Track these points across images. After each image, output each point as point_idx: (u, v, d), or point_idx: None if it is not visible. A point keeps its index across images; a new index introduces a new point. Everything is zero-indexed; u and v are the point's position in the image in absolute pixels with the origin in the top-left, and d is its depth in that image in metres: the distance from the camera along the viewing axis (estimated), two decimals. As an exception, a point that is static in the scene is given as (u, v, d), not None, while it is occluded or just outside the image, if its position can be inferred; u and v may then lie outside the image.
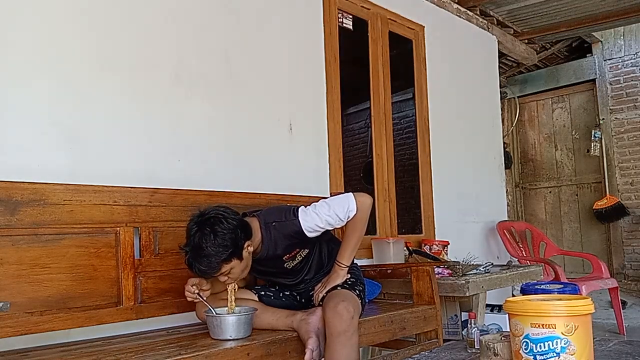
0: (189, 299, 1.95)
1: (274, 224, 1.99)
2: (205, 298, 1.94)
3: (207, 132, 2.54)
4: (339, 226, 2.06)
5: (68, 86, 2.09)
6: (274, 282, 2.22)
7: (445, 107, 4.15)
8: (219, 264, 1.83)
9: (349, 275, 2.11)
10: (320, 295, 2.05)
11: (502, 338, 1.61)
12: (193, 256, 1.82)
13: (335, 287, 2.04)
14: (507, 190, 5.61)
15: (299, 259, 2.09)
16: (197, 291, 1.93)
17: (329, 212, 2.00)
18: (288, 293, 2.21)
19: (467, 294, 2.72)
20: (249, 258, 1.95)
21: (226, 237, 1.82)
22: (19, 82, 1.96)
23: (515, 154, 6.57)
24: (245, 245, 1.90)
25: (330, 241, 2.24)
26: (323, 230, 2.04)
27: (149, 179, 2.24)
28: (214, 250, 1.80)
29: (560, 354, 1.30)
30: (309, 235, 2.00)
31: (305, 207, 2.03)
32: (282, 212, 2.03)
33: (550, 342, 1.31)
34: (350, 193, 2.06)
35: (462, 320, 3.04)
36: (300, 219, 1.98)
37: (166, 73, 2.41)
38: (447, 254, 3.51)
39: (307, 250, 2.10)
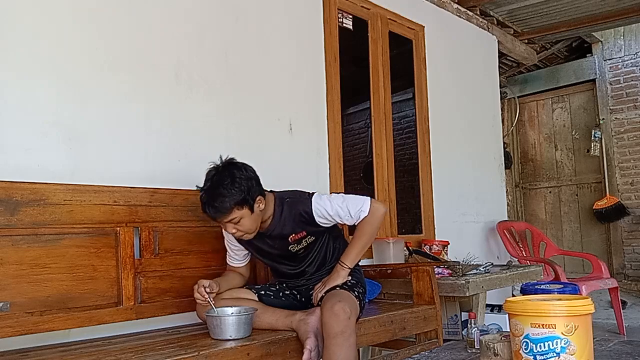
0: (198, 301, 1.97)
1: (287, 199, 2.07)
2: (213, 301, 1.93)
3: (207, 132, 2.54)
4: (347, 222, 2.09)
5: (68, 86, 2.09)
6: (276, 269, 2.23)
7: (445, 107, 4.15)
8: (230, 206, 1.89)
9: (350, 277, 2.11)
10: (320, 295, 2.06)
11: (502, 338, 1.61)
12: (208, 194, 1.90)
13: (334, 288, 2.05)
14: (507, 190, 5.60)
15: (304, 244, 2.11)
16: (206, 295, 1.93)
17: (342, 204, 2.05)
18: (288, 292, 2.21)
19: (467, 294, 2.72)
20: (259, 216, 2.00)
21: (242, 183, 1.91)
22: (19, 82, 1.96)
23: (515, 154, 6.56)
24: (257, 199, 1.95)
25: (337, 239, 2.24)
26: (330, 220, 2.07)
27: (149, 179, 2.24)
28: (229, 192, 1.88)
29: (560, 354, 1.30)
30: (316, 219, 2.04)
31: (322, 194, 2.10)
32: (297, 192, 2.13)
33: (550, 342, 1.31)
34: (369, 197, 2.12)
35: (462, 320, 3.04)
36: (312, 200, 2.05)
37: (166, 73, 2.41)
38: (447, 254, 3.51)
39: (314, 238, 2.12)
